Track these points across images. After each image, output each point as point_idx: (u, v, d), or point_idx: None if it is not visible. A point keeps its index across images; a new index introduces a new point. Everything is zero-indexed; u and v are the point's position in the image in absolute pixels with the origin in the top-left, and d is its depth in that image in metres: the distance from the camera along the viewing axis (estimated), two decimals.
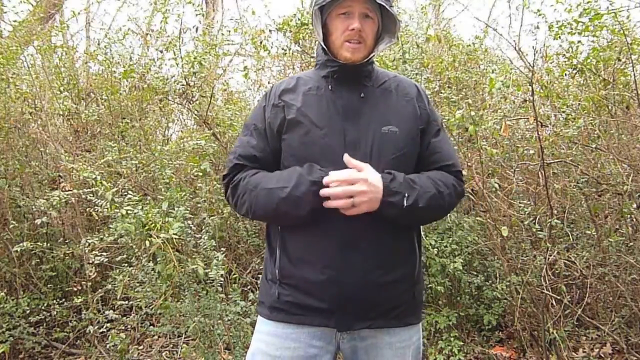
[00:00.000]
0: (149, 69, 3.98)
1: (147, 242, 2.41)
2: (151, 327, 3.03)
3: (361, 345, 1.44)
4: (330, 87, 1.48)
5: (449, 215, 3.00)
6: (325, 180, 1.33)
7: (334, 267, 1.38)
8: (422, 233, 2.87)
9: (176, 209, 2.62)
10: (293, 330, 1.42)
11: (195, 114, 3.98)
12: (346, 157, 1.36)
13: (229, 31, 4.24)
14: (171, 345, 3.37)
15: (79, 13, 5.08)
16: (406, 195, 1.35)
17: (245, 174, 1.48)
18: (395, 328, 1.45)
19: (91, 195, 2.70)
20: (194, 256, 2.64)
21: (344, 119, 1.43)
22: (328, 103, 1.46)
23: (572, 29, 3.15)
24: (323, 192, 1.33)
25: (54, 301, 3.35)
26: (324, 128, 1.42)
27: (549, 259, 2.72)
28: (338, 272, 1.38)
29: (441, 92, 3.31)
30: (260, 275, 3.01)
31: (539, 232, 2.71)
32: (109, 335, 2.95)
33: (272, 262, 1.47)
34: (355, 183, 1.32)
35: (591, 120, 3.15)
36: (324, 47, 1.48)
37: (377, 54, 1.51)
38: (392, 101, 1.50)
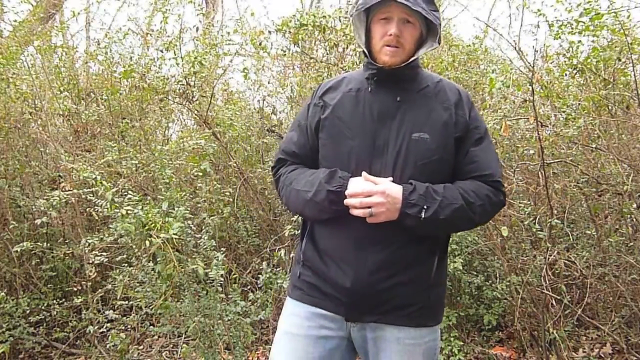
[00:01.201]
0: (149, 69, 3.97)
1: (147, 242, 2.41)
2: (151, 327, 3.03)
3: (370, 336, 1.49)
4: (370, 89, 1.51)
5: None
6: (347, 192, 1.40)
7: (348, 263, 1.45)
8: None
9: (176, 209, 2.62)
10: (308, 310, 1.51)
11: (195, 114, 3.98)
12: (364, 174, 1.41)
13: (229, 32, 4.24)
14: (171, 345, 3.37)
15: (79, 13, 5.08)
16: (425, 207, 1.37)
17: (286, 169, 1.61)
18: (406, 326, 1.47)
19: (91, 195, 2.69)
20: (194, 256, 2.64)
21: (377, 122, 1.47)
22: (364, 105, 1.49)
23: (572, 28, 3.15)
24: (346, 202, 1.41)
25: (54, 301, 3.35)
26: (354, 129, 1.47)
27: (549, 259, 2.71)
28: (351, 267, 1.44)
29: None
30: (260, 275, 3.02)
31: (539, 232, 2.71)
32: (109, 335, 2.95)
33: (300, 245, 1.59)
34: (373, 195, 1.37)
35: (591, 120, 3.14)
36: (365, 50, 1.52)
37: (418, 57, 1.52)
38: (428, 107, 1.49)
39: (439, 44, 1.53)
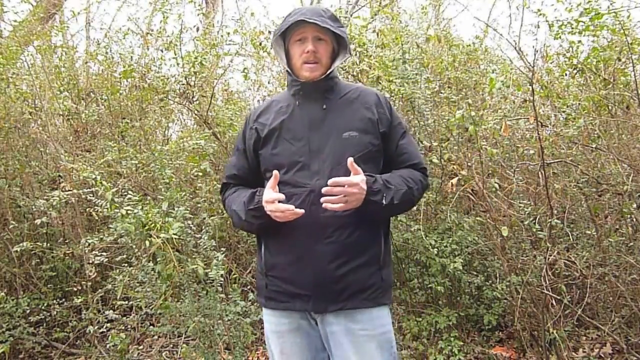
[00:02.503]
0: (149, 68, 3.97)
1: (147, 242, 2.41)
2: (151, 327, 3.03)
3: (329, 330, 1.64)
4: (297, 103, 1.71)
5: (449, 215, 3.01)
6: (330, 182, 1.51)
7: (305, 258, 1.60)
8: (419, 227, 2.88)
9: (176, 209, 2.62)
10: (284, 313, 1.67)
11: (195, 114, 3.98)
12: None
13: (229, 33, 4.24)
14: (171, 345, 3.37)
15: (79, 13, 5.08)
16: (384, 194, 1.57)
17: (228, 192, 1.81)
18: (359, 315, 1.60)
19: (91, 195, 2.70)
20: (194, 256, 2.65)
21: (309, 130, 1.66)
22: (296, 117, 1.69)
23: (572, 28, 3.15)
24: (325, 190, 1.50)
25: (54, 301, 3.35)
26: (291, 138, 1.66)
27: (549, 259, 2.71)
28: (309, 262, 1.59)
29: (441, 92, 3.31)
30: None
31: (539, 232, 2.71)
32: (109, 335, 2.95)
33: (259, 257, 1.73)
34: (353, 186, 1.51)
35: (591, 120, 3.14)
36: (288, 70, 1.72)
37: (334, 69, 1.71)
38: (352, 109, 1.70)
39: (351, 54, 1.79)
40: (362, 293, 1.60)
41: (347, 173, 1.55)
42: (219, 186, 3.61)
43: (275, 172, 1.59)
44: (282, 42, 1.73)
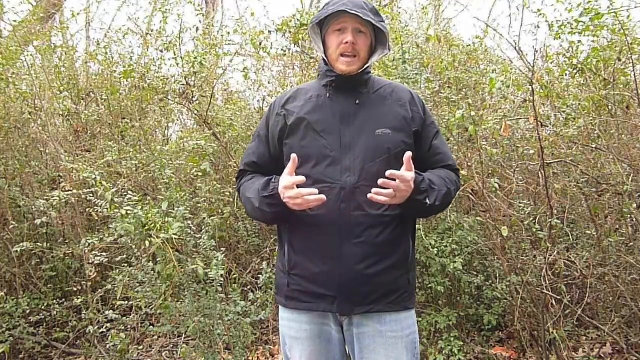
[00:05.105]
0: (149, 69, 3.97)
1: (147, 242, 2.41)
2: (151, 327, 3.03)
3: (356, 332, 1.59)
4: (328, 94, 1.64)
5: (449, 215, 3.02)
6: (388, 173, 1.44)
7: (333, 258, 1.54)
8: (419, 227, 2.88)
9: (176, 209, 2.62)
10: (306, 315, 1.61)
11: (195, 114, 3.98)
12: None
13: (229, 32, 4.24)
14: (171, 345, 3.37)
15: (78, 13, 5.08)
16: (429, 195, 1.53)
17: (244, 180, 1.72)
18: (387, 316, 1.58)
19: (91, 195, 2.70)
20: (194, 256, 2.65)
21: (341, 123, 1.59)
22: (327, 109, 1.62)
23: (572, 28, 3.15)
24: (381, 182, 1.44)
25: (54, 301, 3.35)
26: (322, 131, 1.59)
27: (549, 259, 2.72)
28: (337, 262, 1.54)
29: (441, 92, 3.31)
30: (260, 275, 3.03)
31: (539, 232, 2.71)
32: (109, 335, 2.95)
33: (282, 254, 1.66)
34: (405, 182, 1.46)
35: (591, 120, 3.14)
36: (325, 59, 1.65)
37: (371, 64, 1.67)
38: (386, 106, 1.64)
39: (390, 50, 1.69)
40: (389, 296, 1.57)
41: (379, 171, 1.50)
42: (219, 186, 3.66)
43: (293, 156, 1.48)
44: (318, 31, 1.67)
